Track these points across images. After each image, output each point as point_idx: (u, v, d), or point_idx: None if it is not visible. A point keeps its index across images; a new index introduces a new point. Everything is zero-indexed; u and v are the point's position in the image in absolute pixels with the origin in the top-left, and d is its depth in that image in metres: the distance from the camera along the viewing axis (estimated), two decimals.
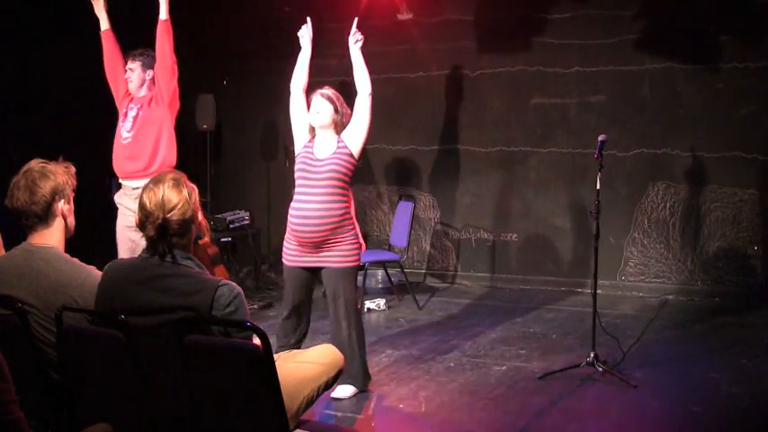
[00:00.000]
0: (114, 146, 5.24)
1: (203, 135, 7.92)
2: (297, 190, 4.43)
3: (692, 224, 6.99)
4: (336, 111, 4.47)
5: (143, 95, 5.28)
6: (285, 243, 4.51)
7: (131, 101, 5.30)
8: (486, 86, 7.59)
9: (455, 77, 7.66)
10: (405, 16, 7.51)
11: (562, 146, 7.36)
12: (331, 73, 8.02)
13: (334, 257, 4.37)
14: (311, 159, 4.41)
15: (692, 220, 6.99)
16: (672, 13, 6.89)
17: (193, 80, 8.01)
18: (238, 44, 8.23)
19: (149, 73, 5.27)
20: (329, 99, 4.48)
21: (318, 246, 4.35)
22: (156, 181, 2.70)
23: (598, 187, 4.83)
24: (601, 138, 4.80)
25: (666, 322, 6.21)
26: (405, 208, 6.97)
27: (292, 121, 4.64)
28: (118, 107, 5.31)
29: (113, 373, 2.63)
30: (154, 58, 5.19)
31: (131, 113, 5.27)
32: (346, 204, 4.40)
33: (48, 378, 2.74)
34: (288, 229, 4.43)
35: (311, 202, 4.33)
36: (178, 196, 2.65)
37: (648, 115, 7.08)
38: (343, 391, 4.44)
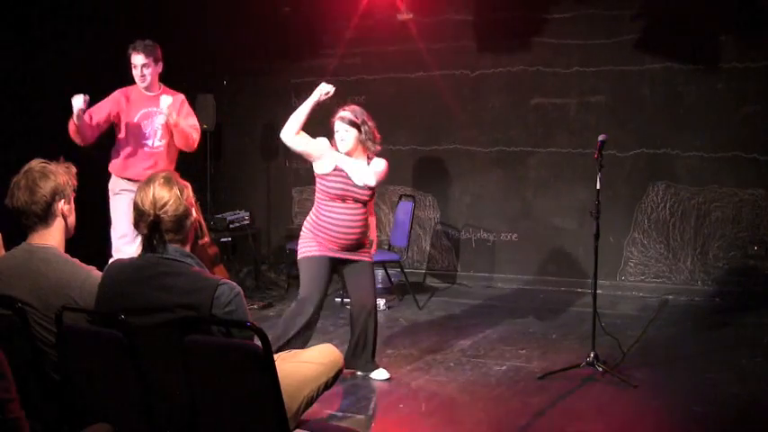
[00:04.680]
0: (127, 150, 5.29)
1: (203, 135, 7.90)
2: (334, 204, 4.57)
3: (692, 224, 6.99)
4: (360, 131, 4.55)
5: (154, 95, 5.28)
6: (307, 242, 4.64)
7: (144, 103, 5.27)
8: (486, 86, 7.59)
9: (455, 77, 7.66)
10: (405, 16, 7.51)
11: (562, 146, 7.36)
12: (330, 73, 8.04)
13: (365, 253, 4.75)
14: (351, 185, 4.56)
15: (692, 220, 6.99)
16: (672, 13, 6.88)
17: (193, 80, 8.03)
18: (238, 44, 8.23)
19: (160, 65, 5.27)
20: (351, 123, 4.53)
21: (353, 248, 4.66)
22: (148, 181, 2.73)
23: (598, 187, 4.82)
24: (601, 138, 4.79)
25: (666, 322, 6.21)
26: (405, 208, 6.97)
27: (306, 151, 4.58)
28: (120, 122, 5.31)
29: (113, 373, 2.63)
30: (157, 47, 5.24)
31: (158, 120, 5.28)
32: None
33: (48, 378, 2.74)
34: (316, 233, 4.61)
35: (355, 215, 4.60)
36: (169, 193, 2.68)
37: (648, 115, 7.08)
38: (381, 373, 4.78)
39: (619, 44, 7.07)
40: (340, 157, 4.54)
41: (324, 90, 4.51)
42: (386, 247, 7.48)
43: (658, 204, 7.09)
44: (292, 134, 4.46)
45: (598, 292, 5.06)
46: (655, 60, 6.99)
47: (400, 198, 7.28)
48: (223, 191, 8.33)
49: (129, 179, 5.29)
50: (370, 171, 4.55)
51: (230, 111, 8.31)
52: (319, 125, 4.69)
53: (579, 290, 7.18)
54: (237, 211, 7.71)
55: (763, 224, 6.77)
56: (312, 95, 4.48)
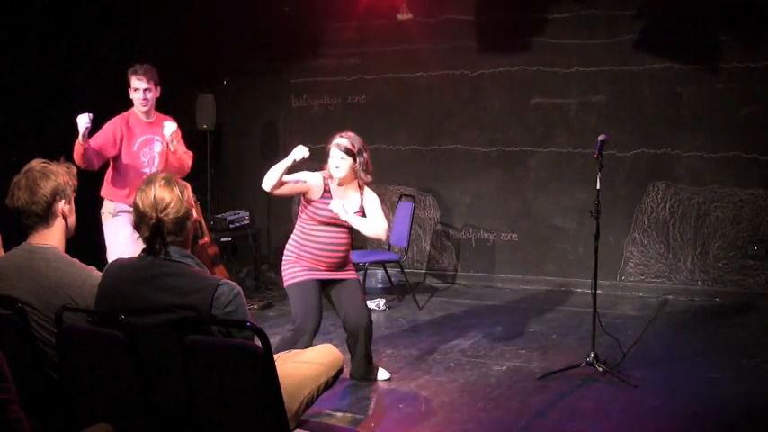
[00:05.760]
0: (125, 178, 5.18)
1: (203, 135, 7.92)
2: (320, 227, 4.51)
3: (692, 224, 6.99)
4: (355, 160, 4.49)
5: (152, 121, 5.23)
6: (292, 266, 4.56)
7: (143, 131, 5.19)
8: (486, 86, 7.59)
9: (455, 77, 7.67)
10: (405, 16, 7.51)
11: (562, 146, 7.36)
12: (330, 73, 8.05)
13: (350, 271, 4.70)
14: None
15: (692, 220, 6.99)
16: (672, 13, 6.89)
17: (193, 80, 8.04)
18: (238, 44, 8.24)
19: (158, 90, 5.22)
20: (347, 152, 4.47)
21: (338, 266, 4.61)
22: (148, 182, 2.70)
23: (598, 187, 4.82)
24: (601, 138, 4.79)
25: (666, 322, 6.21)
26: (405, 208, 6.97)
27: (293, 193, 4.61)
28: (121, 149, 5.18)
29: (113, 373, 2.63)
30: (156, 72, 5.18)
31: (156, 147, 5.22)
32: None
33: (48, 378, 2.74)
34: (300, 254, 4.54)
35: (339, 237, 4.54)
36: (170, 195, 2.66)
37: (648, 115, 7.08)
38: (382, 373, 4.79)
39: (619, 44, 7.08)
40: (342, 213, 4.38)
41: (299, 154, 4.37)
42: (386, 247, 7.48)
43: (658, 204, 7.09)
44: (270, 188, 4.37)
45: (598, 292, 5.06)
46: (655, 60, 6.99)
47: (400, 198, 7.28)
48: (223, 191, 8.33)
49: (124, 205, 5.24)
50: (379, 224, 4.48)
51: (230, 111, 8.31)
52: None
53: (579, 290, 7.18)
54: (237, 211, 7.71)
55: (763, 224, 6.77)
56: (288, 157, 4.36)
